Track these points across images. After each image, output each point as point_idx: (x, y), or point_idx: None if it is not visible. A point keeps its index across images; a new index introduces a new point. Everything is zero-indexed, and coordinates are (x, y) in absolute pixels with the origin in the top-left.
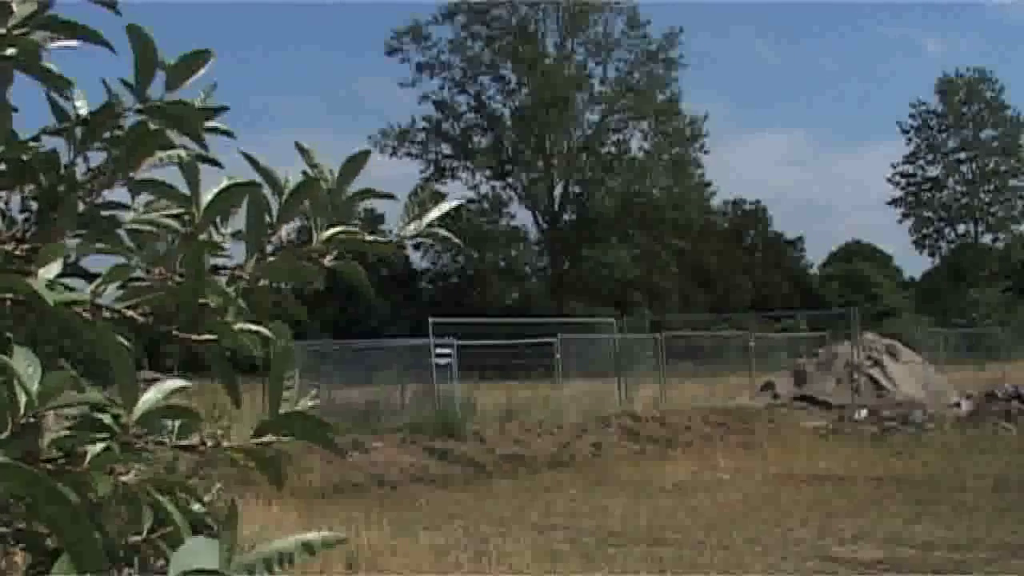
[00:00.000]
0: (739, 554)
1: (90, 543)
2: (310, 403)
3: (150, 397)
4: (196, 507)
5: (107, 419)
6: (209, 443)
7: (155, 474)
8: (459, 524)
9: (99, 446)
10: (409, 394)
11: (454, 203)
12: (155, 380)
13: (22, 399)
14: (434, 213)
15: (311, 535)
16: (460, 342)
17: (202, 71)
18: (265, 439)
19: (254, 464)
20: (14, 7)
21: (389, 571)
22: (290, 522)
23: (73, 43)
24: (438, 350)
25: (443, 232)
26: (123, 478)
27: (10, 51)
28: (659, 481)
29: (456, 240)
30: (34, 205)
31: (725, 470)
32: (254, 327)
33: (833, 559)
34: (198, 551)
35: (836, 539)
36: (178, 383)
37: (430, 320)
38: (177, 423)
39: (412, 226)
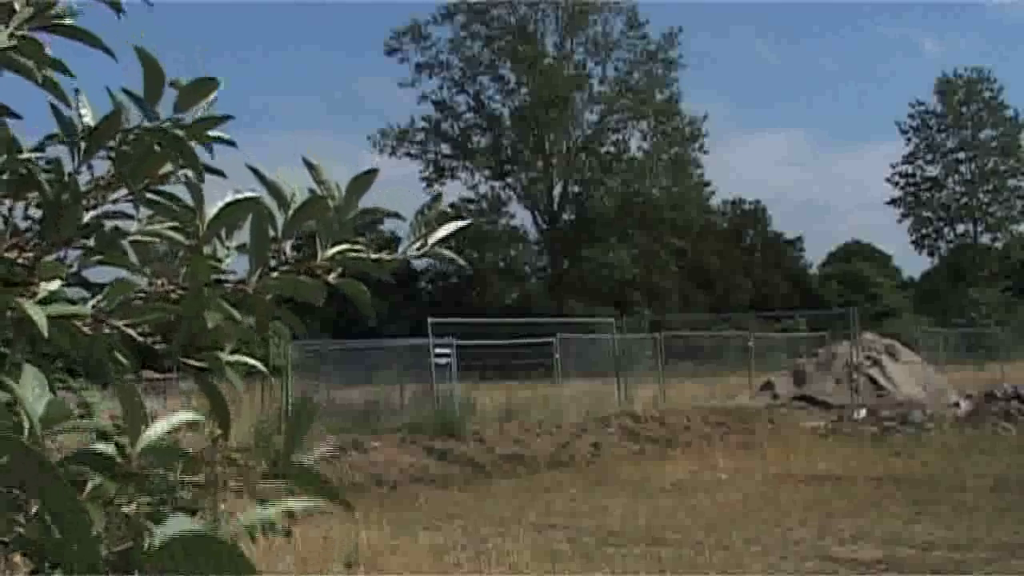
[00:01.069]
0: (739, 554)
1: (88, 547)
2: (325, 451)
3: (157, 429)
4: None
5: (111, 449)
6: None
7: (155, 506)
8: (459, 524)
9: (99, 478)
10: (409, 394)
11: (461, 224)
12: (156, 382)
13: (26, 423)
14: (440, 233)
15: (292, 503)
16: (460, 342)
17: (211, 96)
18: (272, 483)
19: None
20: (16, 7)
21: (389, 571)
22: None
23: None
24: (437, 350)
25: (448, 253)
26: (123, 508)
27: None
28: (659, 481)
29: (462, 262)
30: (37, 214)
31: (724, 470)
32: (248, 359)
33: (833, 559)
34: (182, 523)
35: (836, 539)
36: (188, 416)
37: (429, 320)
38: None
39: (417, 245)
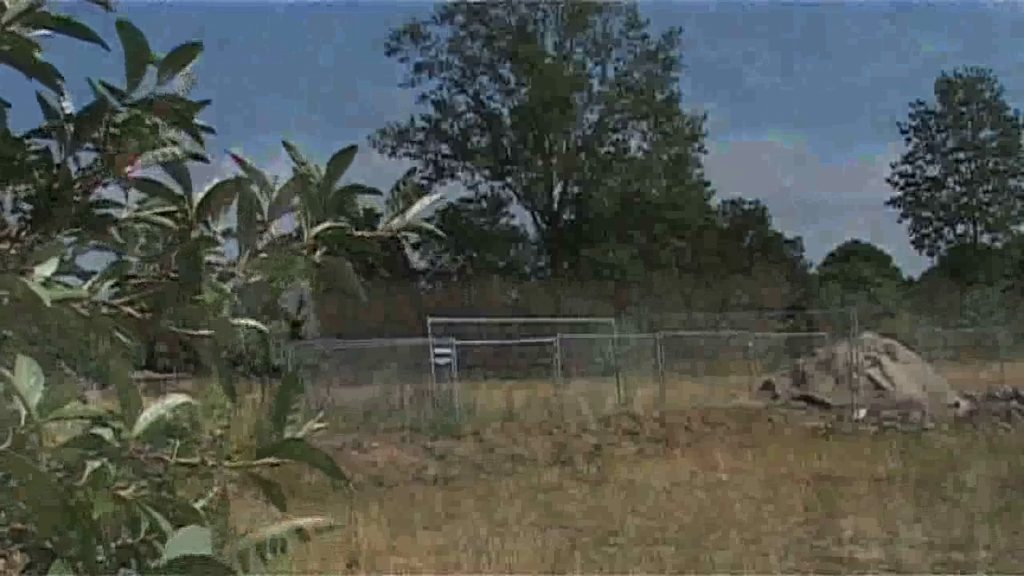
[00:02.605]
0: (739, 554)
1: (89, 548)
2: (316, 426)
3: (152, 412)
4: (197, 506)
5: (107, 434)
6: (210, 462)
7: (153, 492)
8: (459, 524)
9: (98, 462)
10: (409, 394)
11: (436, 198)
12: (154, 381)
13: (22, 411)
14: (417, 207)
15: (303, 520)
16: (459, 342)
17: (192, 63)
18: (267, 460)
19: (257, 483)
20: (6, 3)
21: (389, 571)
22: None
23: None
24: (437, 350)
25: (427, 225)
26: (121, 492)
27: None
28: (659, 481)
29: (440, 233)
30: (27, 204)
31: (725, 470)
32: (250, 322)
33: (833, 559)
34: (191, 538)
35: (836, 539)
36: (181, 399)
37: (429, 320)
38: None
39: (396, 220)
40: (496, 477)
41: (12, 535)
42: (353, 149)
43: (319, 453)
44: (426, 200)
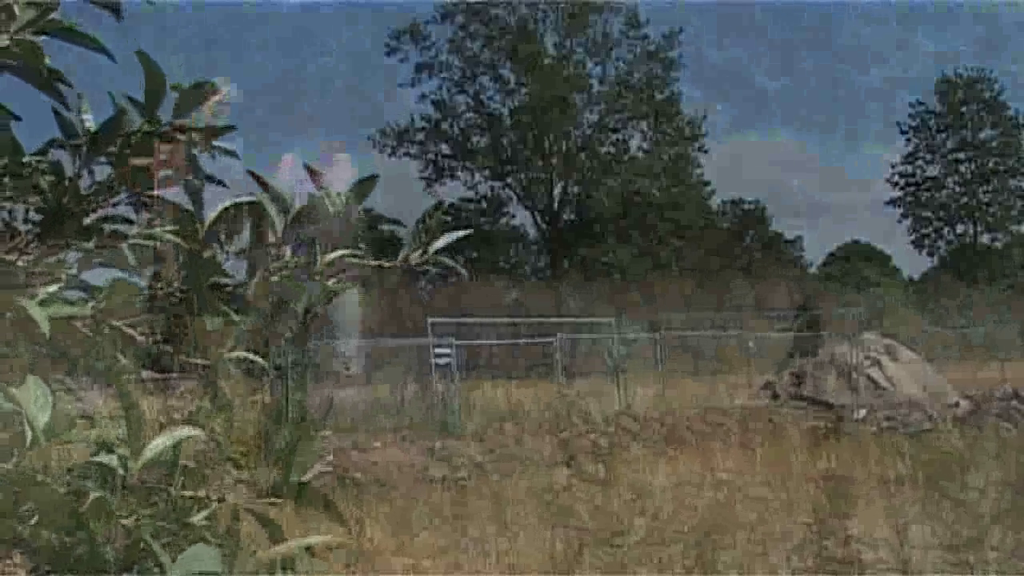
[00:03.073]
0: (739, 554)
1: (93, 553)
2: (321, 469)
3: (159, 443)
4: (196, 519)
5: (113, 462)
6: (214, 496)
7: (155, 521)
8: (461, 524)
9: (100, 492)
10: (409, 394)
11: (461, 233)
12: (156, 380)
13: (29, 433)
14: (441, 241)
15: (313, 538)
16: (460, 342)
17: (214, 99)
18: (269, 500)
19: (257, 521)
20: (16, 10)
21: (389, 571)
22: (289, 523)
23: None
24: (438, 350)
25: (449, 262)
26: (124, 521)
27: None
28: (661, 481)
29: (462, 270)
30: (37, 217)
31: (726, 470)
32: (246, 354)
33: (833, 559)
34: (200, 557)
35: (836, 539)
36: (189, 431)
37: (429, 320)
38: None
39: (418, 253)
40: (498, 477)
41: (15, 540)
42: (374, 179)
43: (322, 498)
44: (451, 235)
